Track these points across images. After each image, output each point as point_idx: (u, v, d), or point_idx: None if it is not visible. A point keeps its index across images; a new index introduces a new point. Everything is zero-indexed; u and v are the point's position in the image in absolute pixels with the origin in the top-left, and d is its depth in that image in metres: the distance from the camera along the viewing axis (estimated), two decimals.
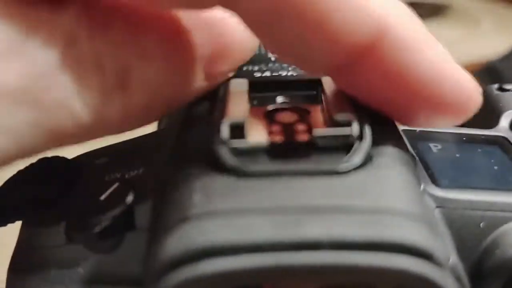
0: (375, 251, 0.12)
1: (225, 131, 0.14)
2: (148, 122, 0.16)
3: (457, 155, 0.19)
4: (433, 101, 0.15)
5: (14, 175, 0.18)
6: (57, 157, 0.19)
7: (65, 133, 0.13)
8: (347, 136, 0.14)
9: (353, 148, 0.14)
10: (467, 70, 0.15)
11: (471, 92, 0.15)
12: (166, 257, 0.12)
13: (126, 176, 0.17)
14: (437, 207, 0.16)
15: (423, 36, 0.14)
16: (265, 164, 0.14)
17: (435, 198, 0.16)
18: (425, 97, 0.15)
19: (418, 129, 0.19)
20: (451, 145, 0.19)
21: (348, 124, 0.14)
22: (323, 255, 0.12)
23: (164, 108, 0.16)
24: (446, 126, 0.17)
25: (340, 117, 0.14)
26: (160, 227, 0.13)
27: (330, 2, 0.13)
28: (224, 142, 0.14)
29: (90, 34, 0.13)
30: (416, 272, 0.12)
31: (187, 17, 0.15)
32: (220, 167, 0.14)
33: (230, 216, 0.12)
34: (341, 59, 0.14)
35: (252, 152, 0.14)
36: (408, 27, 0.14)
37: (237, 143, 0.14)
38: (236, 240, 0.12)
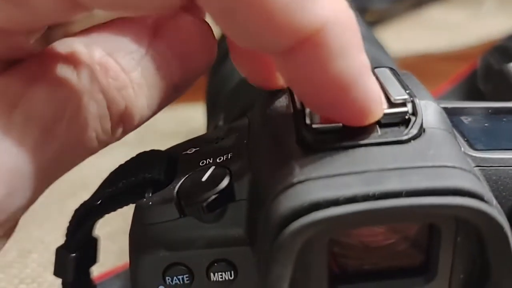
0: (442, 196, 0.16)
1: (309, 116, 0.18)
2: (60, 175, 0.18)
3: (486, 124, 0.22)
4: (338, 99, 0.17)
5: (117, 168, 0.22)
6: (154, 150, 0.22)
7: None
8: (405, 113, 0.18)
9: (411, 122, 0.18)
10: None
11: (375, 105, 0.17)
12: (284, 212, 0.16)
13: (218, 160, 0.21)
14: (475, 166, 0.19)
15: (352, 43, 0.16)
16: (344, 140, 0.18)
17: (474, 159, 0.20)
18: (334, 96, 0.17)
19: (449, 106, 0.23)
20: (479, 117, 0.23)
21: (403, 104, 0.18)
22: (404, 201, 0.15)
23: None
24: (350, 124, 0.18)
25: (397, 98, 0.18)
26: (268, 194, 0.17)
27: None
28: (307, 125, 0.18)
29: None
30: (475, 207, 0.16)
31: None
32: (306, 145, 0.18)
33: (327, 179, 0.16)
34: (284, 42, 0.16)
35: (332, 132, 0.18)
36: (343, 32, 0.16)
37: (318, 126, 0.18)
38: (336, 195, 0.16)
